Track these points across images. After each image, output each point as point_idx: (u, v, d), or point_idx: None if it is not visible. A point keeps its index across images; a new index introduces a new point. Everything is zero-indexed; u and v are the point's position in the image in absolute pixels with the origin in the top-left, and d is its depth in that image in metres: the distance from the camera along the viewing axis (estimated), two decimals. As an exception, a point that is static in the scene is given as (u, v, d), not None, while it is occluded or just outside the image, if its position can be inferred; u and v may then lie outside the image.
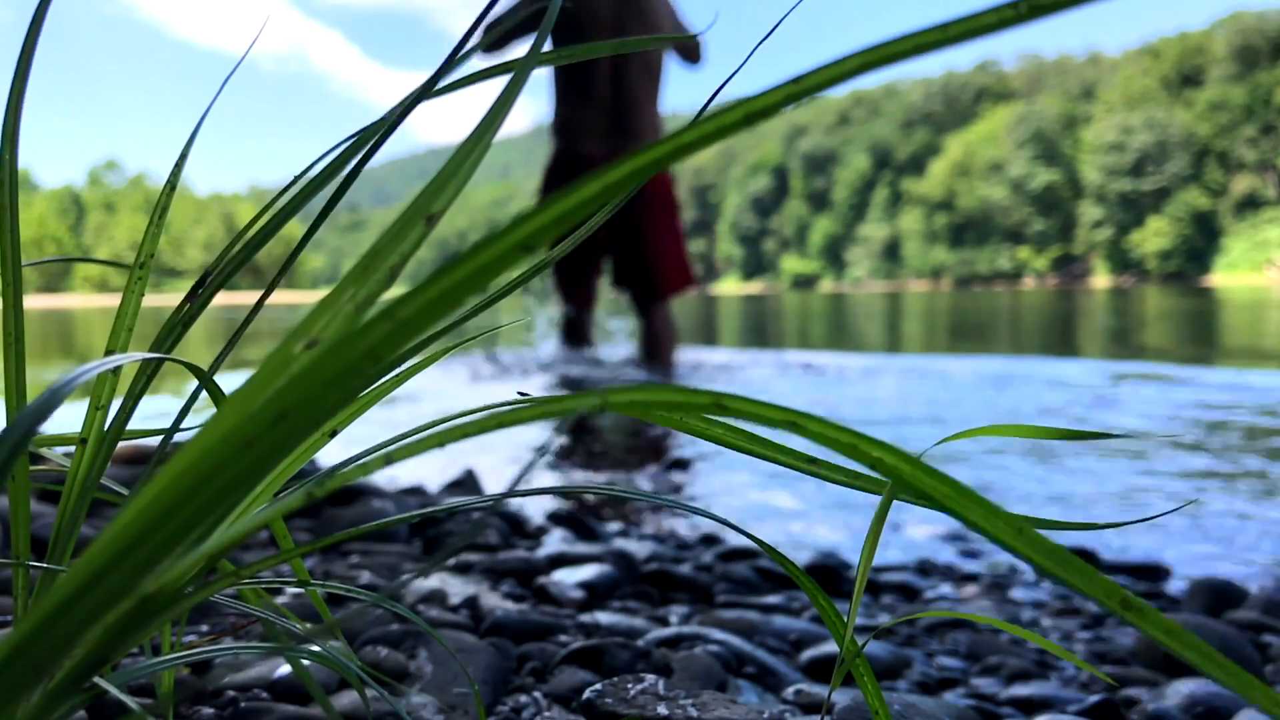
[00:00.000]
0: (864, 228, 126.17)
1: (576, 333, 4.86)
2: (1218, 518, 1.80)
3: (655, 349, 4.72)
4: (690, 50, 4.92)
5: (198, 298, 0.44)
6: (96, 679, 0.35)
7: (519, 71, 0.32)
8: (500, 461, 2.41)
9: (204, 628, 0.90)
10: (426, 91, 0.40)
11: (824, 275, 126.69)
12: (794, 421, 0.29)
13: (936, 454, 2.49)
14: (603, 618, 1.02)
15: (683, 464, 2.31)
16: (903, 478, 0.30)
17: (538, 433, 2.85)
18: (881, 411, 3.34)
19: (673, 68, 5.08)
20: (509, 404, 0.44)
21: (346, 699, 0.70)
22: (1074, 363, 5.34)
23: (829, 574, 1.37)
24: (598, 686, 0.70)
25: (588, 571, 1.21)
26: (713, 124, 0.23)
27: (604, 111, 4.77)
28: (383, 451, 0.33)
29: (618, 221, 4.40)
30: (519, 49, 4.45)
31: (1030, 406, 3.44)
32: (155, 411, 3.14)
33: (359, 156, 0.41)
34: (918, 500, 0.32)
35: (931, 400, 3.63)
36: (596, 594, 1.17)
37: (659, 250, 4.60)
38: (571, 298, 4.79)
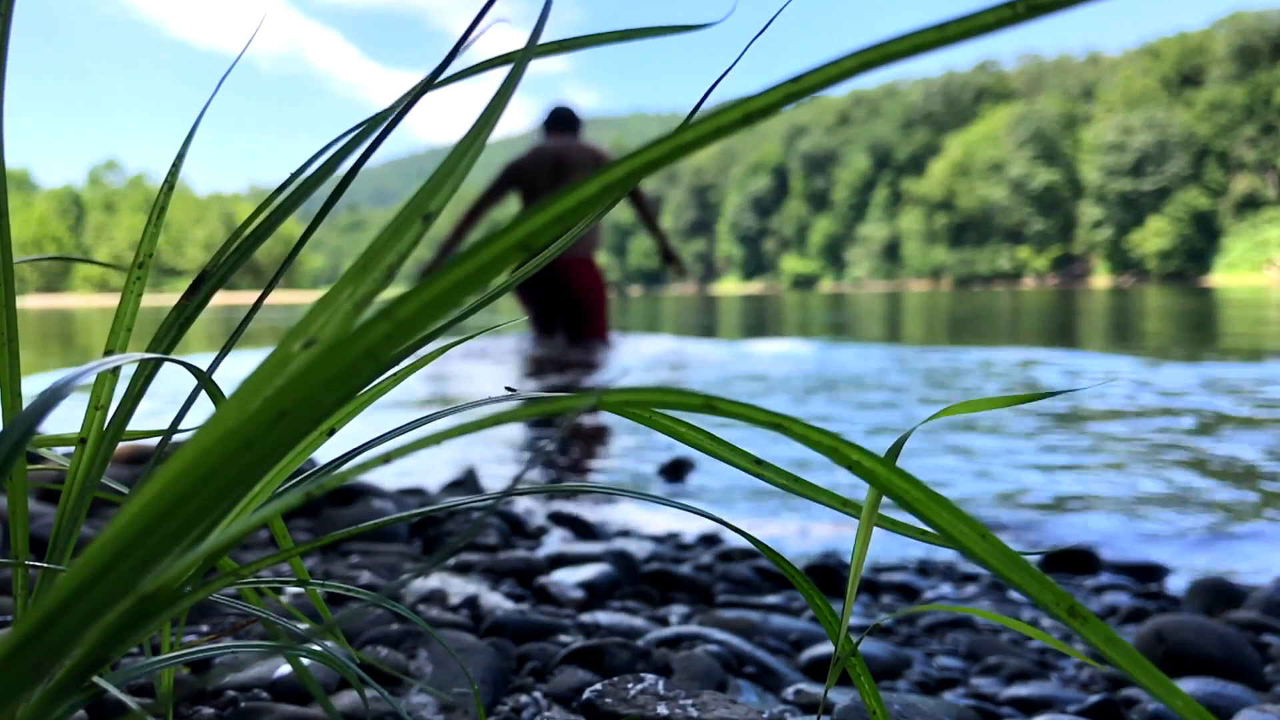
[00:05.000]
0: (864, 228, 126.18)
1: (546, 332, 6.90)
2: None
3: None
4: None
5: (196, 296, 0.44)
6: (96, 678, 0.35)
7: (515, 71, 0.32)
8: (499, 459, 2.40)
9: (204, 627, 0.90)
10: (427, 86, 0.40)
11: (824, 275, 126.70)
12: (779, 423, 0.29)
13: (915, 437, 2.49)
14: (603, 618, 1.02)
15: (683, 463, 2.31)
16: (879, 481, 0.31)
17: (532, 427, 2.85)
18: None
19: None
20: (504, 401, 0.44)
21: (346, 699, 0.70)
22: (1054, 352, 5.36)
23: (828, 574, 1.37)
24: (598, 686, 0.70)
25: (588, 571, 1.21)
26: (711, 124, 0.23)
27: None
28: (380, 451, 0.33)
29: (560, 297, 6.36)
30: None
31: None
32: (155, 411, 3.13)
33: (359, 154, 0.41)
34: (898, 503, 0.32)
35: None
36: (596, 594, 1.17)
37: (587, 319, 6.51)
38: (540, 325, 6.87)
